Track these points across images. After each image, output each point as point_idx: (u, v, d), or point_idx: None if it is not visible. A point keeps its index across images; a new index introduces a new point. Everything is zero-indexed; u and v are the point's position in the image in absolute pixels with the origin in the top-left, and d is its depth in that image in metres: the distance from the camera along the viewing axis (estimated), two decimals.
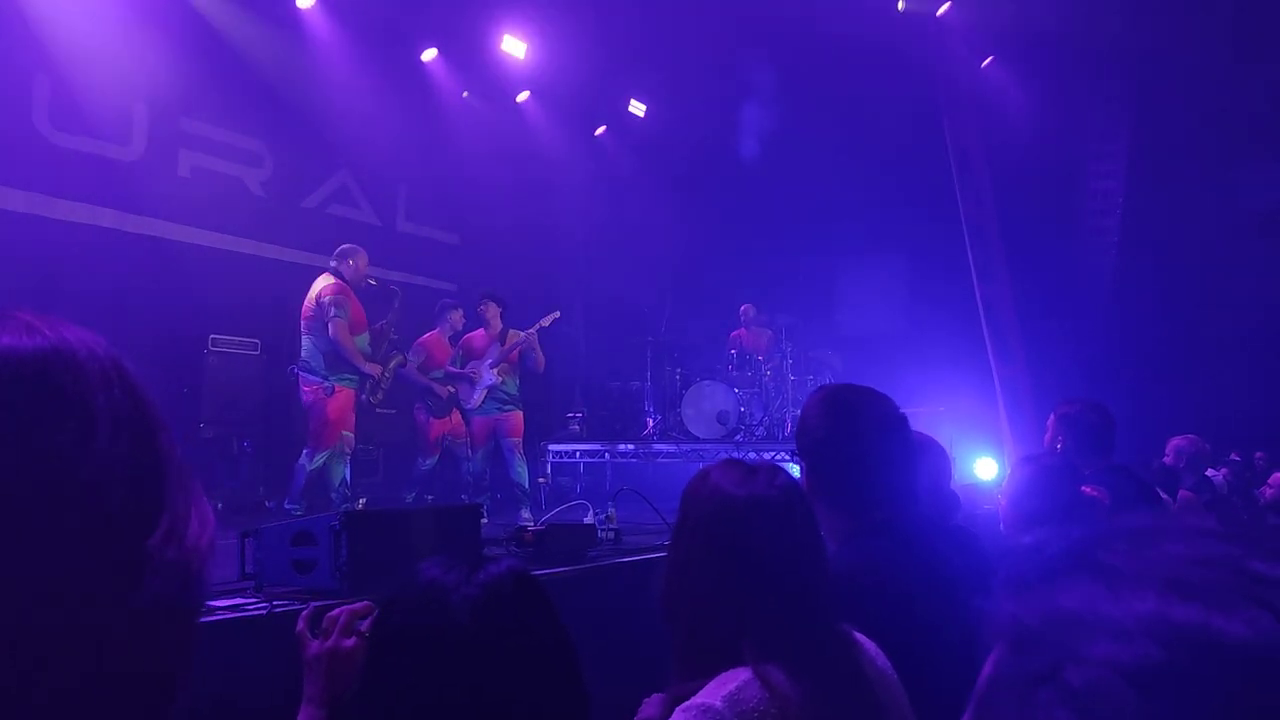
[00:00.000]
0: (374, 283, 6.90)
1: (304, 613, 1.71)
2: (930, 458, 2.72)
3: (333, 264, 6.70)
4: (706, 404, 9.42)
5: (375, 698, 1.30)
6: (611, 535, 4.93)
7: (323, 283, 6.55)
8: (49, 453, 0.62)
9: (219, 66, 8.30)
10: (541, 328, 7.47)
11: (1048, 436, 3.64)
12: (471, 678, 1.26)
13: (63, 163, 7.44)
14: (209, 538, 0.69)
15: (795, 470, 2.28)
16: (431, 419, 7.65)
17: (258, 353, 8.14)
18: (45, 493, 0.61)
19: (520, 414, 7.46)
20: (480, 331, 7.53)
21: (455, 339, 7.79)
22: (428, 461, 7.72)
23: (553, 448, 9.54)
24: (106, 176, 7.72)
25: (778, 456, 8.53)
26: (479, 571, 1.34)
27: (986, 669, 0.56)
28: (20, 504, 0.60)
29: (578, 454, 9.77)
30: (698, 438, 9.37)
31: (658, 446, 9.66)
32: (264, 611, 2.96)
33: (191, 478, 0.70)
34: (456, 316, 7.90)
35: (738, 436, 9.37)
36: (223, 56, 8.33)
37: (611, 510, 5.10)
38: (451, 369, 7.52)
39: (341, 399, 6.50)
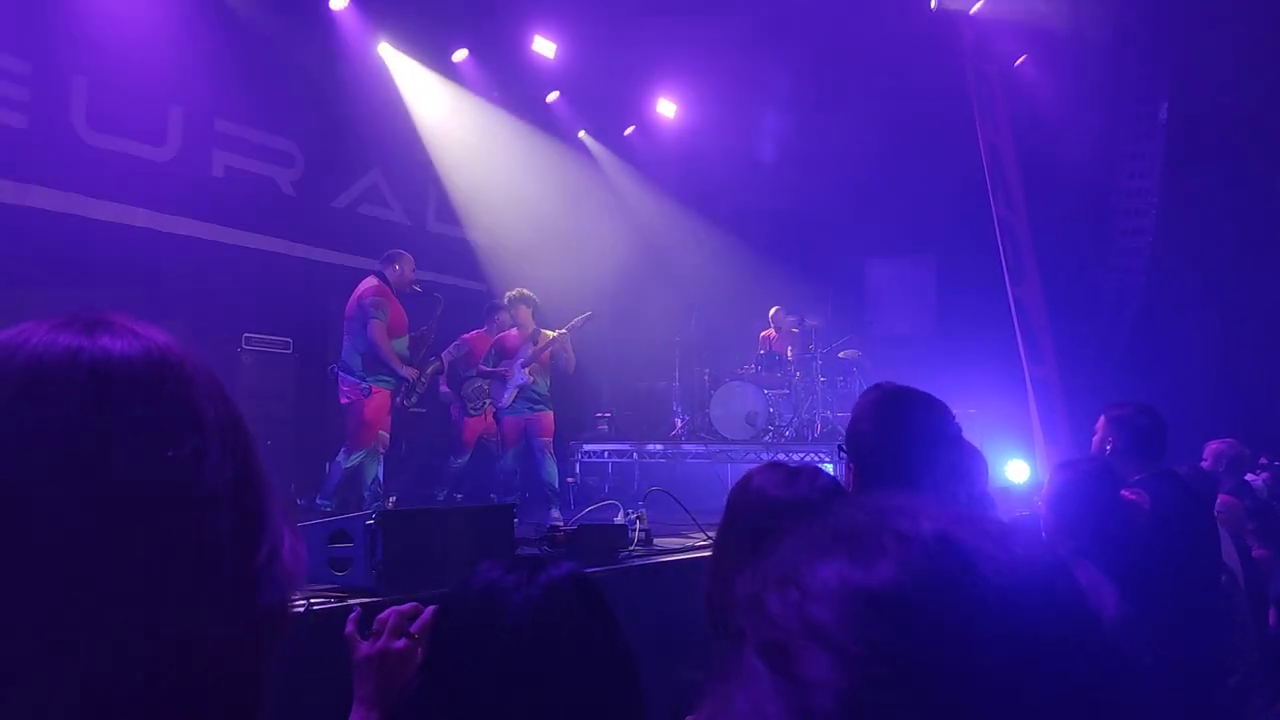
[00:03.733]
0: (419, 289, 7.01)
1: (352, 615, 1.71)
2: (970, 463, 2.69)
3: (379, 267, 6.82)
4: (735, 405, 9.41)
5: (434, 697, 1.30)
6: (642, 535, 4.93)
7: (366, 285, 6.68)
8: (168, 468, 0.62)
9: (252, 68, 8.36)
10: (573, 328, 7.49)
11: (1097, 438, 3.59)
12: (530, 679, 1.26)
13: (99, 163, 7.53)
14: (300, 556, 0.69)
15: (829, 469, 2.26)
16: (466, 418, 7.70)
17: (289, 351, 8.20)
18: (165, 509, 0.61)
19: (551, 414, 7.49)
20: (513, 331, 7.57)
21: None
22: (460, 460, 7.78)
23: (583, 447, 9.56)
24: (141, 176, 7.81)
25: (807, 458, 8.49)
26: (539, 573, 1.34)
27: None
28: (141, 519, 0.60)
29: (606, 454, 9.79)
30: (726, 438, 9.35)
31: (686, 447, 9.66)
32: (301, 609, 2.98)
33: (278, 493, 0.70)
34: (504, 318, 7.96)
35: (766, 437, 9.34)
36: (256, 58, 8.39)
37: (642, 510, 5.10)
38: (484, 368, 7.57)
39: (378, 400, 6.61)
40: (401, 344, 6.75)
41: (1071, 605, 0.55)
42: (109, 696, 0.58)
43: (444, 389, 7.93)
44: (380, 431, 6.66)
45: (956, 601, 0.52)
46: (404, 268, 6.81)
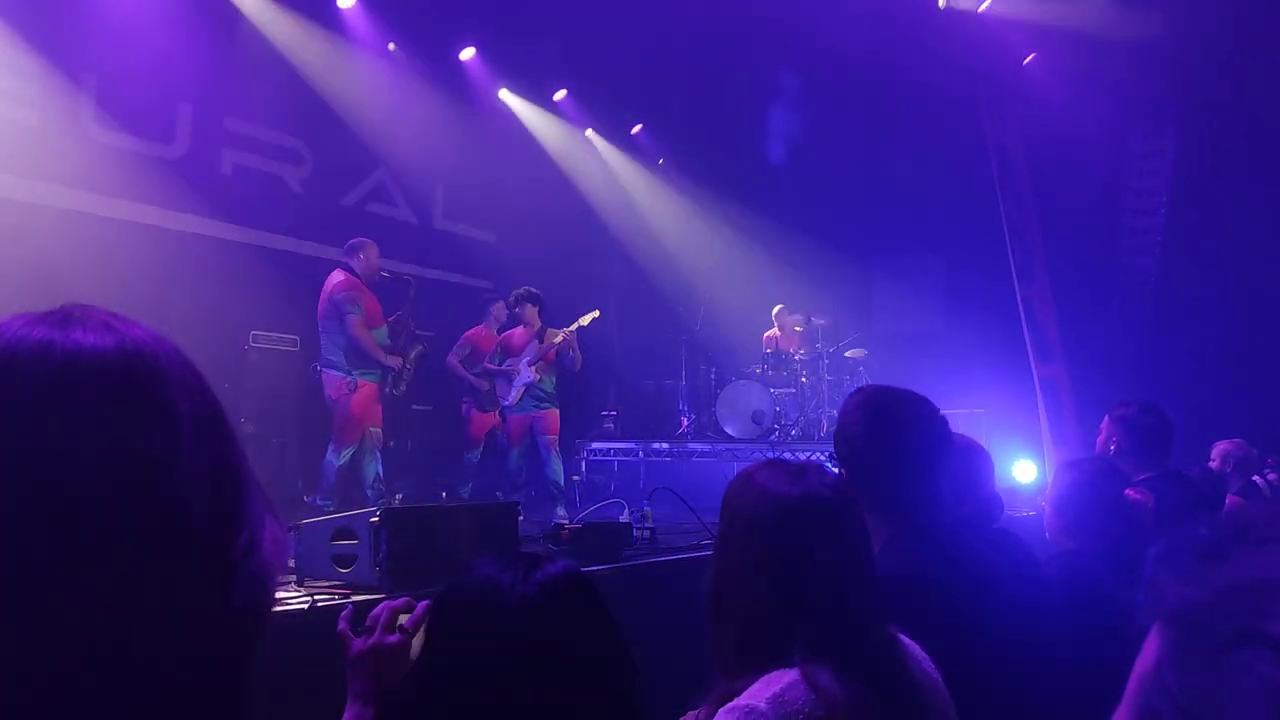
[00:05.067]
0: (387, 274, 6.89)
1: (344, 613, 1.71)
2: (972, 460, 2.68)
3: (344, 259, 6.68)
4: (741, 403, 9.40)
5: (428, 694, 1.30)
6: (647, 534, 4.94)
7: (334, 280, 6.53)
8: (138, 460, 0.62)
9: (261, 66, 8.39)
10: (581, 327, 7.49)
11: (1101, 438, 3.56)
12: (525, 676, 1.26)
13: (109, 160, 7.56)
14: (282, 548, 0.69)
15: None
16: (475, 412, 7.72)
17: (297, 349, 8.22)
18: (134, 501, 0.61)
19: (556, 412, 7.50)
20: (519, 329, 7.58)
21: (502, 331, 7.89)
22: (473, 454, 7.80)
23: (589, 446, 9.57)
24: (151, 174, 7.84)
25: (813, 457, 8.48)
26: (535, 570, 1.34)
27: (1147, 656, 0.60)
28: (110, 512, 0.60)
29: (612, 452, 9.79)
30: (732, 437, 9.35)
31: (692, 445, 9.66)
32: (306, 605, 3.00)
33: (259, 485, 0.70)
34: (499, 309, 7.98)
35: (772, 436, 9.33)
36: (265, 56, 8.42)
37: (647, 509, 5.10)
38: (490, 365, 7.58)
39: (364, 394, 6.52)
40: (381, 334, 6.65)
41: None
42: (82, 695, 0.58)
43: (449, 360, 7.84)
44: (370, 427, 6.56)
45: None
46: (369, 255, 6.66)
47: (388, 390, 6.80)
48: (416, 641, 1.59)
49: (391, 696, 1.56)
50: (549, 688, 1.26)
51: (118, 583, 0.59)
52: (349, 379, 6.44)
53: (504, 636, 1.28)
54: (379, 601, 1.71)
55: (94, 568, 0.59)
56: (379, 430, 6.69)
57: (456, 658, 1.30)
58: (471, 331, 7.96)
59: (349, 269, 6.59)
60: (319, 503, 6.48)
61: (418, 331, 7.19)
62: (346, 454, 6.48)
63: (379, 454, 6.67)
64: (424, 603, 1.63)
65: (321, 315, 6.53)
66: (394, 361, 6.68)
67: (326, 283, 6.56)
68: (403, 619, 1.64)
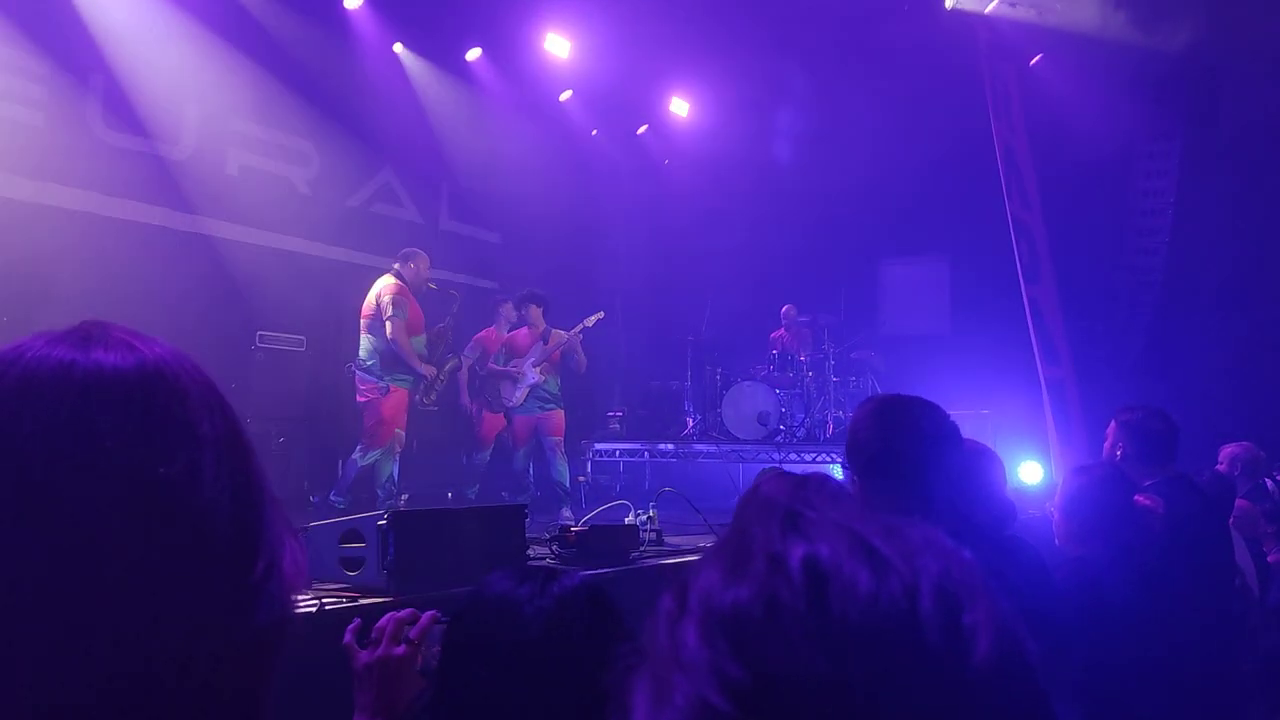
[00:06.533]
0: (434, 286, 7.08)
1: (350, 626, 1.71)
2: (984, 465, 2.67)
3: (395, 266, 6.88)
4: (747, 404, 9.39)
5: (445, 708, 1.30)
6: (653, 536, 4.92)
7: (384, 283, 6.72)
8: (160, 480, 0.61)
9: (268, 67, 8.40)
10: (585, 328, 7.49)
11: (1108, 444, 3.54)
12: (543, 691, 1.26)
13: (115, 161, 7.56)
14: (302, 568, 0.69)
15: (838, 471, 2.26)
16: (485, 413, 7.74)
17: (303, 349, 8.23)
18: (156, 522, 0.61)
19: (561, 413, 7.50)
20: (524, 330, 7.58)
21: (512, 331, 7.93)
22: (482, 455, 7.83)
23: (594, 447, 9.57)
24: (157, 175, 7.85)
25: (819, 458, 8.48)
26: (552, 584, 1.34)
27: None
28: (133, 533, 0.60)
29: (617, 453, 9.79)
30: (738, 438, 9.34)
31: (697, 446, 9.65)
32: (314, 608, 2.99)
33: (278, 503, 0.70)
34: (508, 310, 8.03)
35: (778, 437, 9.31)
36: (271, 57, 8.43)
37: (653, 510, 5.09)
38: (495, 366, 7.59)
39: (396, 399, 6.65)
40: (420, 342, 6.81)
41: (931, 652, 0.49)
42: (104, 713, 0.58)
43: (464, 400, 7.92)
44: (397, 430, 6.72)
45: (795, 636, 0.48)
46: (419, 266, 6.88)
47: (418, 398, 6.92)
48: (427, 654, 1.58)
49: (405, 710, 1.56)
50: (566, 701, 1.26)
51: (140, 603, 0.59)
52: (380, 383, 6.55)
53: (522, 650, 1.28)
54: (386, 606, 1.70)
55: (116, 588, 0.59)
56: (403, 434, 6.84)
57: (475, 673, 1.30)
58: (482, 333, 7.99)
59: (399, 275, 6.78)
60: (332, 498, 6.61)
61: (451, 339, 7.36)
62: (373, 456, 6.62)
63: (398, 456, 6.76)
64: (429, 613, 1.63)
65: (366, 316, 6.70)
66: (428, 370, 6.83)
67: (375, 286, 6.75)
68: (408, 630, 1.64)
